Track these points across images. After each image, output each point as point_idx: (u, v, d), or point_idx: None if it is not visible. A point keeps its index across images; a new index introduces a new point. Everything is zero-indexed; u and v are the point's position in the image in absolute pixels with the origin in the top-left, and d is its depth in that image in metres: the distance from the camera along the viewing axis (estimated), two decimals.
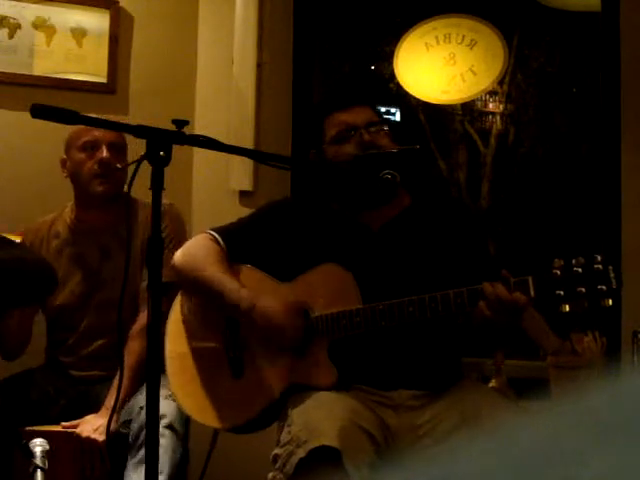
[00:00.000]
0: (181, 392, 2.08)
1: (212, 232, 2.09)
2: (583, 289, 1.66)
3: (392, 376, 1.93)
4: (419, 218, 2.05)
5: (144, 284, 2.35)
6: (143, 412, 2.15)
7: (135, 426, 2.18)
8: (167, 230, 2.38)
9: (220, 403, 2.01)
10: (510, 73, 3.34)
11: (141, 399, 2.23)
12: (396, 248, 2.00)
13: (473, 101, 3.39)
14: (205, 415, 2.02)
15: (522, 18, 3.33)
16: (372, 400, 1.89)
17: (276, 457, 1.77)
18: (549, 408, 0.33)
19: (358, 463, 1.67)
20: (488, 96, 3.43)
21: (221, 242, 2.05)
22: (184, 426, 2.22)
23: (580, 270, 1.67)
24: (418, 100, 3.31)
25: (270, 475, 1.78)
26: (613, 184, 2.82)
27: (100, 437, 2.20)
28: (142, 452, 2.11)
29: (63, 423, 2.29)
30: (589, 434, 0.30)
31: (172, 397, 2.18)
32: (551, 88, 3.42)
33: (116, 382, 2.29)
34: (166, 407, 2.06)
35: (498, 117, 3.48)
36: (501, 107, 3.48)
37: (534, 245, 3.32)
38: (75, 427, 2.26)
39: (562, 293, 1.67)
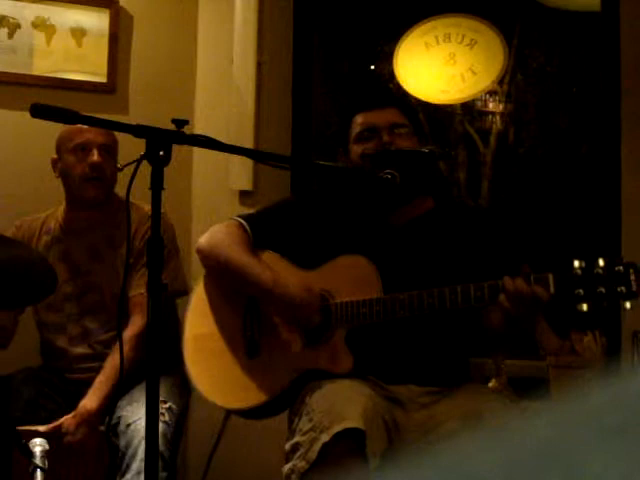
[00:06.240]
0: (195, 371, 2.08)
1: (239, 219, 2.11)
2: (603, 289, 1.67)
3: (403, 370, 1.94)
4: (442, 221, 2.07)
5: (136, 290, 2.33)
6: (129, 429, 2.14)
7: (122, 443, 2.14)
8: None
9: (234, 384, 2.01)
10: (510, 73, 3.33)
11: (128, 413, 2.20)
12: (418, 244, 2.02)
13: (473, 101, 3.38)
14: (218, 395, 2.02)
15: (522, 18, 3.33)
16: (382, 395, 1.90)
17: (297, 445, 1.77)
18: (549, 408, 0.33)
19: (375, 450, 1.70)
20: (488, 96, 3.42)
21: (248, 229, 2.08)
22: (169, 448, 2.17)
23: (601, 271, 1.68)
24: (418, 100, 3.31)
25: (287, 466, 1.78)
26: (613, 184, 2.82)
27: (85, 437, 2.18)
28: (130, 474, 2.08)
29: (40, 428, 2.16)
30: (589, 434, 0.30)
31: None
32: (551, 88, 3.41)
33: (98, 382, 2.26)
34: None
35: (498, 117, 3.48)
36: (501, 107, 3.47)
37: (534, 245, 3.32)
38: (56, 430, 2.18)
39: (582, 292, 1.68)
